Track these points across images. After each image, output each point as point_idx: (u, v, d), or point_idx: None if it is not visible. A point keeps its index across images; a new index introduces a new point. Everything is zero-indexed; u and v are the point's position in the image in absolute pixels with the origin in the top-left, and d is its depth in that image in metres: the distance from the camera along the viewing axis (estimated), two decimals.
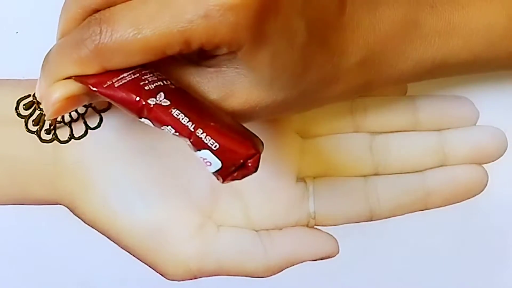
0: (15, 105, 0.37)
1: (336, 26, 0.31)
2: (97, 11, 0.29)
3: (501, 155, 0.40)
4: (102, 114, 0.37)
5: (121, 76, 0.29)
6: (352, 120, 0.39)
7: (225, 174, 0.29)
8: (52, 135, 0.37)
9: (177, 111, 0.28)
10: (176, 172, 0.38)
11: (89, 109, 0.37)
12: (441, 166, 0.40)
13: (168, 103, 0.28)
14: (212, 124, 0.28)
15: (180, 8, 0.27)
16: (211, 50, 0.29)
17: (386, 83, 0.34)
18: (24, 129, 0.37)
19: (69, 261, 0.38)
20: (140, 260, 0.38)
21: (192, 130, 0.28)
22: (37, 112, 0.37)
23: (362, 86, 0.33)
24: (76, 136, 0.37)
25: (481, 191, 0.40)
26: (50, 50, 0.31)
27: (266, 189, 0.38)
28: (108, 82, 0.29)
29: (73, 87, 0.30)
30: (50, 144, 0.37)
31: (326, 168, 0.39)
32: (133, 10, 0.28)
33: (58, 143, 0.37)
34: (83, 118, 0.37)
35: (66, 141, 0.37)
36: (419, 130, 0.40)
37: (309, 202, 0.39)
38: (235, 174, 0.29)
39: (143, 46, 0.28)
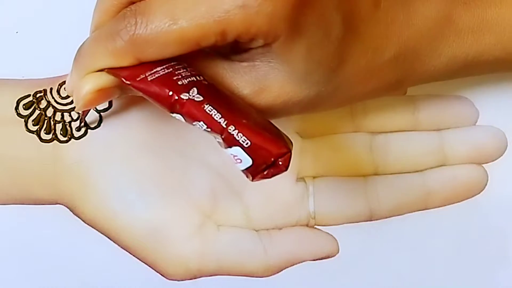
0: (15, 105, 0.37)
1: (371, 21, 0.31)
2: (132, 3, 0.29)
3: (501, 155, 0.40)
4: (102, 114, 0.37)
5: (155, 69, 0.29)
6: (352, 120, 0.39)
7: (255, 172, 0.28)
8: (52, 135, 0.37)
9: (210, 107, 0.28)
10: (176, 172, 0.38)
11: None
12: (441, 166, 0.40)
13: (201, 98, 0.28)
14: (244, 121, 0.28)
15: None
16: (246, 42, 0.29)
17: (419, 80, 0.34)
18: (24, 129, 0.37)
19: (69, 261, 0.38)
20: (140, 260, 0.38)
21: (224, 126, 0.28)
22: (37, 112, 0.37)
23: (394, 83, 0.33)
24: (76, 136, 0.37)
25: (481, 191, 0.40)
26: (84, 42, 0.30)
27: (266, 189, 0.38)
28: (141, 75, 0.29)
29: (106, 79, 0.30)
30: (50, 144, 0.37)
31: (326, 168, 0.39)
32: (168, 1, 0.28)
33: (58, 143, 0.37)
34: (83, 118, 0.37)
35: (66, 141, 0.37)
36: (419, 130, 0.40)
37: (309, 202, 0.39)
38: (265, 173, 0.29)
39: (178, 37, 0.28)
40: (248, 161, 0.28)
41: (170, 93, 0.28)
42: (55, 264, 0.38)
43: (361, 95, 0.33)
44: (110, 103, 0.37)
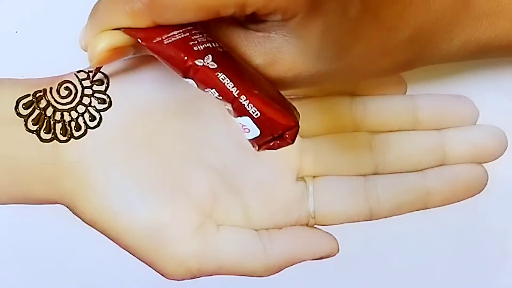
0: (14, 104, 0.37)
1: (388, 2, 0.31)
2: None
3: (501, 154, 0.40)
4: (102, 113, 0.37)
5: (171, 33, 0.29)
6: (352, 119, 0.39)
7: (261, 142, 0.29)
8: (52, 135, 0.37)
9: (223, 75, 0.29)
10: (176, 171, 0.38)
11: (89, 108, 0.37)
12: (441, 165, 0.40)
13: (215, 66, 0.29)
14: (256, 92, 0.29)
15: None
16: (264, 15, 0.29)
17: (430, 61, 0.34)
18: (24, 128, 0.37)
19: (69, 261, 0.38)
20: (140, 260, 0.38)
21: (236, 96, 0.28)
22: (37, 111, 0.37)
23: (405, 63, 0.34)
24: (75, 135, 0.37)
25: (481, 190, 0.40)
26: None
27: (266, 189, 0.38)
28: (157, 38, 0.29)
29: (121, 38, 0.30)
30: (49, 143, 0.37)
31: (326, 167, 0.39)
32: None
33: (57, 142, 0.37)
34: (83, 118, 0.37)
35: (66, 141, 0.37)
36: (419, 129, 0.40)
37: (309, 202, 0.39)
38: (271, 144, 0.29)
39: (198, 5, 0.28)
40: (256, 131, 0.29)
41: (185, 58, 0.29)
42: (55, 264, 0.38)
43: (373, 73, 0.33)
44: (110, 103, 0.37)
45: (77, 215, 0.38)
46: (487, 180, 0.40)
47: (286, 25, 0.29)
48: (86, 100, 0.37)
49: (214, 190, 0.38)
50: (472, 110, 0.40)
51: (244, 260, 0.38)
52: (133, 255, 0.38)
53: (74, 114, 0.37)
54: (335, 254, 0.39)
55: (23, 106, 0.37)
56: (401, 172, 0.39)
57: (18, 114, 0.37)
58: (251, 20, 0.30)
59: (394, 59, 0.33)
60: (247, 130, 0.29)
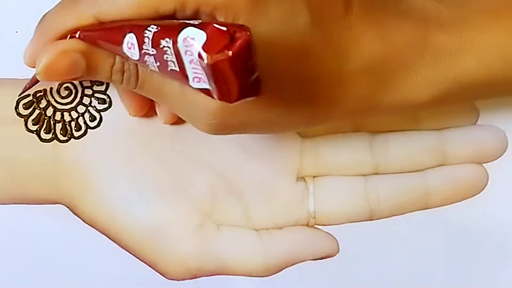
0: (14, 104, 0.37)
1: (341, 23, 0.31)
2: None
3: (501, 155, 0.40)
4: (102, 113, 0.37)
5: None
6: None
7: (212, 47, 0.25)
8: (52, 135, 0.37)
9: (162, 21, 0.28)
10: (176, 171, 0.38)
11: (89, 108, 0.37)
12: (441, 165, 0.40)
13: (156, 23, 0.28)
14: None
15: None
16: (207, 17, 0.28)
17: (396, 101, 0.33)
18: (24, 128, 0.37)
19: (69, 261, 0.38)
20: (140, 260, 0.38)
21: (176, 19, 0.28)
22: (37, 111, 0.37)
23: (368, 99, 0.32)
24: (75, 135, 0.37)
25: (481, 190, 0.40)
26: (47, 11, 0.31)
27: (266, 188, 0.38)
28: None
29: (69, 43, 0.30)
30: (49, 143, 0.37)
31: (326, 168, 0.39)
32: None
33: (57, 142, 0.37)
34: (83, 118, 0.37)
35: (66, 141, 0.37)
36: (419, 130, 0.40)
37: (309, 202, 0.39)
38: (224, 48, 0.25)
39: (138, 0, 0.28)
40: (201, 36, 0.25)
41: (124, 23, 0.29)
42: (55, 263, 0.38)
43: (332, 107, 0.32)
44: (110, 103, 0.37)
45: (77, 215, 0.38)
46: (487, 180, 0.40)
47: None
48: (86, 100, 0.37)
49: (214, 190, 0.38)
50: (472, 110, 0.40)
51: (244, 260, 0.38)
52: (133, 255, 0.38)
53: (74, 114, 0.37)
54: (335, 254, 0.39)
55: (23, 106, 0.37)
56: (401, 172, 0.39)
57: (18, 114, 0.37)
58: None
59: (351, 89, 0.31)
60: (191, 42, 0.25)
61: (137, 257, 0.38)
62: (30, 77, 0.37)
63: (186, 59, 0.26)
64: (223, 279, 0.38)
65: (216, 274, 0.38)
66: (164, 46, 0.27)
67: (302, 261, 0.39)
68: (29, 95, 0.37)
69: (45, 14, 0.32)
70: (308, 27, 0.29)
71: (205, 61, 0.25)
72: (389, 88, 0.32)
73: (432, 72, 0.32)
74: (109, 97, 0.37)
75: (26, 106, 0.37)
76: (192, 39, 0.25)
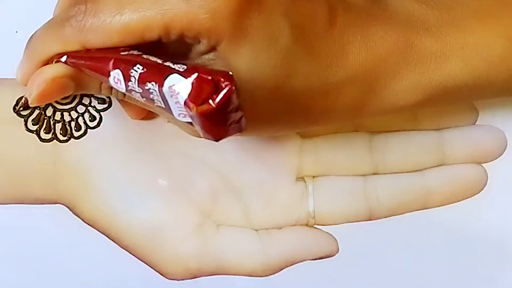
0: (14, 104, 0.37)
1: (325, 37, 0.31)
2: None
3: (501, 155, 0.40)
4: (102, 113, 0.37)
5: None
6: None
7: (196, 98, 0.25)
8: (52, 134, 0.37)
9: (148, 55, 0.28)
10: (176, 171, 0.38)
11: (89, 108, 0.37)
12: (441, 165, 0.40)
13: (140, 52, 0.28)
14: (181, 62, 0.27)
15: None
16: (193, 45, 0.29)
17: (382, 106, 0.33)
18: (24, 128, 0.37)
19: (69, 261, 0.38)
20: (140, 260, 0.38)
21: (160, 62, 0.27)
22: (37, 111, 0.37)
23: (354, 106, 0.32)
24: (75, 135, 0.37)
25: (481, 190, 0.40)
26: (35, 32, 0.31)
27: (265, 189, 0.38)
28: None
29: (60, 69, 0.30)
30: (49, 143, 0.37)
31: (326, 168, 0.39)
32: None
33: (57, 142, 0.37)
34: (83, 118, 0.37)
35: (66, 141, 0.37)
36: (419, 130, 0.40)
37: (308, 202, 0.39)
38: (208, 99, 0.25)
39: (123, 27, 0.28)
40: (186, 87, 0.26)
41: (111, 55, 0.28)
42: (55, 263, 0.38)
43: (321, 115, 0.32)
44: (110, 103, 0.37)
45: (77, 215, 0.38)
46: (487, 180, 0.40)
47: (218, 57, 0.29)
48: (86, 100, 0.37)
49: (213, 190, 0.38)
50: (471, 110, 0.40)
51: (244, 260, 0.38)
52: (133, 255, 0.38)
53: (74, 114, 0.37)
54: (335, 254, 0.39)
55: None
56: (401, 172, 0.39)
57: (18, 114, 0.37)
58: (187, 57, 0.30)
59: (338, 99, 0.32)
60: (177, 91, 0.26)
61: (137, 257, 0.38)
62: None
63: (171, 101, 0.27)
64: (223, 279, 0.38)
65: (215, 274, 0.38)
66: (150, 88, 0.27)
67: (301, 261, 0.39)
68: None
69: (32, 35, 0.31)
70: (290, 46, 0.29)
71: (190, 111, 0.25)
72: (375, 95, 0.32)
73: (418, 77, 0.33)
74: (109, 97, 0.37)
75: (26, 106, 0.37)
76: (178, 88, 0.26)
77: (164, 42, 0.29)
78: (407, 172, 0.39)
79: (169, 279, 0.38)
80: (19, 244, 0.38)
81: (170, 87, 0.26)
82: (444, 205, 0.40)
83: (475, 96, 0.36)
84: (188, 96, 0.25)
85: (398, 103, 0.33)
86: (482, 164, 0.40)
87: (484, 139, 0.40)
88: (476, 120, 0.40)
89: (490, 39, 0.33)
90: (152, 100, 0.28)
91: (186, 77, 0.26)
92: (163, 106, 0.27)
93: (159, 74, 0.26)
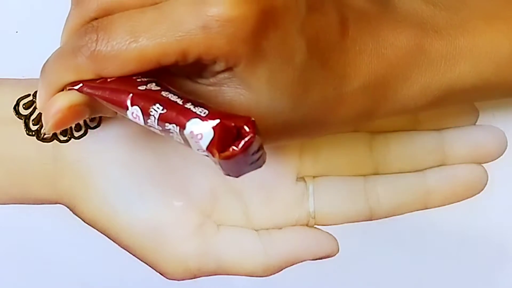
0: (14, 104, 0.37)
1: (338, 49, 0.31)
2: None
3: (501, 155, 0.40)
4: None
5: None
6: None
7: (218, 144, 0.25)
8: (52, 135, 0.37)
9: (167, 92, 0.27)
10: (176, 171, 0.38)
11: None
12: (441, 165, 0.40)
13: (158, 88, 0.28)
14: (201, 100, 0.27)
15: (178, 18, 0.27)
16: (210, 65, 0.28)
17: (392, 109, 0.33)
18: (24, 128, 0.37)
19: (69, 261, 0.38)
20: (140, 260, 0.38)
21: (181, 103, 0.27)
22: (37, 111, 0.37)
23: (367, 112, 0.33)
24: (75, 135, 0.37)
25: (481, 190, 0.40)
26: (48, 58, 0.30)
27: (266, 189, 0.38)
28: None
29: (75, 97, 0.29)
30: (49, 143, 0.37)
31: (326, 168, 0.39)
32: (131, 19, 0.28)
33: (57, 142, 0.37)
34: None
35: (66, 141, 0.37)
36: (419, 130, 0.40)
37: (309, 202, 0.39)
38: (230, 145, 0.26)
39: (138, 55, 0.27)
40: (209, 133, 0.25)
41: (128, 88, 0.28)
42: (55, 263, 0.38)
43: (333, 124, 0.32)
44: None
45: (77, 215, 0.38)
46: (487, 180, 0.40)
47: (235, 76, 0.29)
48: None
49: (214, 190, 0.38)
50: (471, 110, 0.40)
51: (244, 260, 0.38)
52: (133, 255, 0.38)
53: None
54: (335, 254, 0.39)
55: (24, 106, 0.37)
56: (401, 172, 0.39)
57: (19, 114, 0.37)
58: (202, 75, 0.30)
59: (352, 107, 0.32)
60: (199, 137, 0.26)
61: (137, 257, 0.38)
62: (30, 77, 0.37)
63: (192, 144, 0.26)
64: (223, 279, 0.38)
65: (216, 274, 0.38)
66: (170, 129, 0.27)
67: (302, 261, 0.39)
68: (29, 95, 0.37)
69: (45, 64, 0.31)
70: (306, 62, 0.29)
71: (213, 157, 0.26)
72: (386, 100, 0.33)
73: (428, 80, 0.33)
74: None
75: (26, 106, 0.37)
76: (200, 133, 0.26)
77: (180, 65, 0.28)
78: (408, 172, 0.39)
79: (169, 279, 0.38)
80: (19, 244, 0.38)
81: (191, 132, 0.26)
82: (445, 205, 0.40)
83: (483, 97, 0.37)
84: (211, 142, 0.25)
85: (408, 106, 0.33)
86: (483, 164, 0.40)
87: (484, 139, 0.40)
88: (477, 120, 0.40)
89: (498, 40, 0.33)
90: (172, 137, 0.27)
91: (208, 123, 0.26)
92: (183, 143, 0.27)
93: (180, 118, 0.26)
